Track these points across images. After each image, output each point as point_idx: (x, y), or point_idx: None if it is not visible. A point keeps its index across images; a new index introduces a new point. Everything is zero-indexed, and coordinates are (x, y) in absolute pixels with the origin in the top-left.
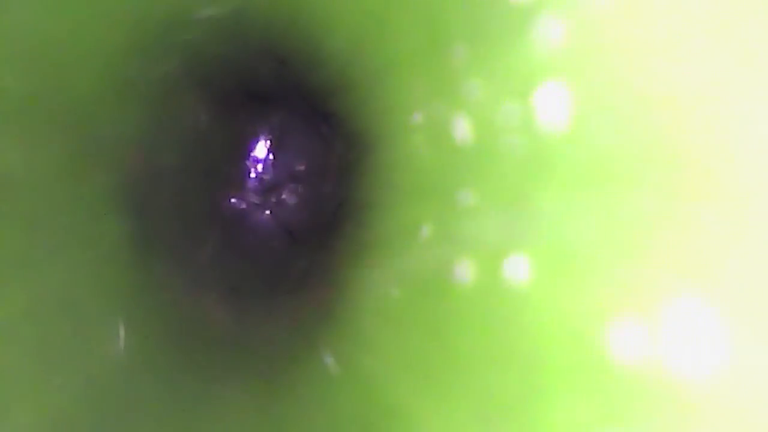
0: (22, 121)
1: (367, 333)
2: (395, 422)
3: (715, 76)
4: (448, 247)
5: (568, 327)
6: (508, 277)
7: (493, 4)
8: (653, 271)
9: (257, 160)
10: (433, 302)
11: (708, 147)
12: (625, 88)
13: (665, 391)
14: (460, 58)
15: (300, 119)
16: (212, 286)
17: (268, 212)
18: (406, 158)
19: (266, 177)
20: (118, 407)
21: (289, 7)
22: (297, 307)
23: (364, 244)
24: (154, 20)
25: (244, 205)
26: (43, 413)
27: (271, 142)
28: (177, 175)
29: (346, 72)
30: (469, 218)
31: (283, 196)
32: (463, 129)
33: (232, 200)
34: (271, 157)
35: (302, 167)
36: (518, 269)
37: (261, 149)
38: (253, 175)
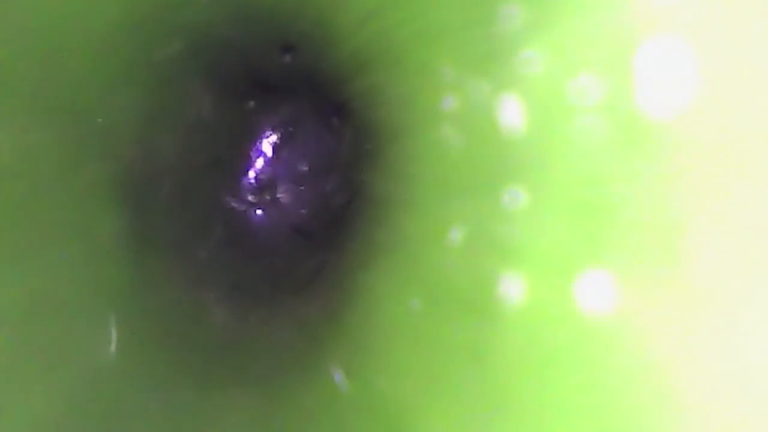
0: (9, 106)
1: (381, 349)
2: None
3: None
4: (488, 256)
5: (653, 366)
6: (578, 301)
7: None
8: None
9: (263, 152)
10: (465, 321)
11: None
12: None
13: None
14: (513, 22)
15: (310, 108)
16: (213, 285)
17: (272, 208)
18: (433, 150)
19: (271, 170)
20: (108, 416)
21: None
22: (302, 309)
23: (380, 245)
24: None
25: (247, 200)
26: (23, 425)
27: (278, 132)
28: (178, 166)
29: (362, 52)
30: (519, 222)
31: (288, 191)
32: (512, 113)
33: (236, 194)
34: (277, 149)
35: (311, 159)
36: (593, 290)
37: (268, 140)
38: (257, 167)
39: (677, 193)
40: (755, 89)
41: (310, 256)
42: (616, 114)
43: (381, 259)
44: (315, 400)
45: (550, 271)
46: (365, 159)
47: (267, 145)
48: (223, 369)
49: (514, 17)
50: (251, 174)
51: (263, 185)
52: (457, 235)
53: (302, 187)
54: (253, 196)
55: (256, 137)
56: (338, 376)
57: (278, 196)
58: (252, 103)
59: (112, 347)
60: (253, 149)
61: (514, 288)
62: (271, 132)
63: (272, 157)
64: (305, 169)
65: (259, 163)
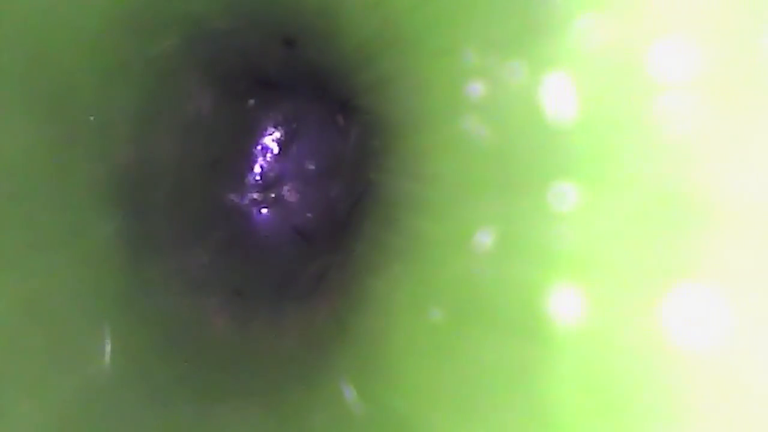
0: None
1: (398, 365)
2: None
3: None
4: (530, 263)
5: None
6: (660, 325)
7: None
8: None
9: (264, 151)
10: (501, 338)
11: None
12: None
13: None
14: None
15: (313, 104)
16: (213, 290)
17: (274, 209)
18: (454, 144)
19: (273, 171)
20: None
21: None
22: (308, 316)
23: (392, 249)
24: None
25: (248, 201)
26: None
27: (281, 130)
28: (176, 166)
29: (370, 42)
30: (570, 225)
31: (292, 193)
32: (561, 96)
33: (236, 196)
34: (280, 147)
35: (315, 159)
36: (679, 312)
37: (270, 138)
38: (259, 167)
39: None
40: None
41: (314, 259)
42: (713, 87)
43: (394, 265)
44: (324, 419)
45: (618, 286)
46: (374, 157)
47: (269, 144)
48: (224, 381)
49: None
50: (252, 175)
51: (265, 185)
52: (485, 238)
53: (306, 189)
54: (255, 196)
55: (258, 136)
56: (349, 393)
57: (281, 196)
58: (252, 101)
59: (106, 359)
60: (254, 149)
61: (568, 304)
62: (273, 130)
63: (275, 156)
64: (310, 168)
65: (261, 163)
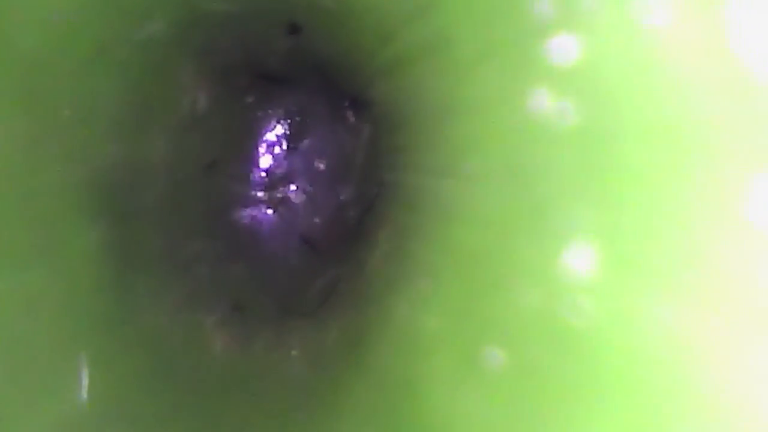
0: None
1: (431, 414)
2: None
3: None
4: (628, 284)
5: None
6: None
7: None
8: None
9: (268, 150)
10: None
11: None
12: None
13: None
14: None
15: (321, 100)
16: (210, 305)
17: (278, 215)
18: (477, 138)
19: (277, 174)
20: None
21: None
22: (316, 336)
23: (414, 261)
24: None
25: (250, 208)
26: None
27: (285, 127)
28: (168, 167)
29: (385, 22)
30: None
31: (297, 196)
32: None
33: (237, 202)
34: (284, 146)
35: (323, 159)
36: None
37: (272, 136)
38: (261, 171)
39: None
40: None
41: (323, 270)
42: None
43: (418, 281)
44: None
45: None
46: (390, 155)
47: (272, 143)
48: (223, 411)
49: None
50: (253, 177)
51: (268, 188)
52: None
53: (314, 191)
54: (256, 200)
55: (259, 134)
56: None
57: (286, 200)
58: (252, 97)
59: (83, 393)
60: (256, 148)
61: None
62: (276, 126)
63: (279, 155)
64: (318, 169)
65: (264, 163)
